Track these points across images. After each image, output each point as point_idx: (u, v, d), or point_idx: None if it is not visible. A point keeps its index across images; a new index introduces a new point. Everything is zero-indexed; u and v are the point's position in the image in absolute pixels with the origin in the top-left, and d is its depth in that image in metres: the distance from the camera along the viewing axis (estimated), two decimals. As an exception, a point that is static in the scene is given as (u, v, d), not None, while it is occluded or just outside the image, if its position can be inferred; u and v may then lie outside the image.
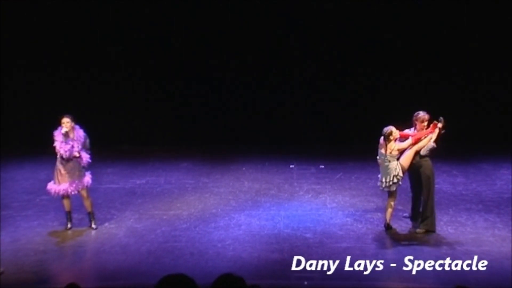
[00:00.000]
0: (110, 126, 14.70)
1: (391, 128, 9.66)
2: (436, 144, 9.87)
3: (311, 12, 14.51)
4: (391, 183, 9.69)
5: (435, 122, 9.83)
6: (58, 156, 9.95)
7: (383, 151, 9.72)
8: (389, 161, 9.66)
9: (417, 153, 9.82)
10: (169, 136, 14.92)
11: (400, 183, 9.77)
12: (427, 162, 9.87)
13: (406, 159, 9.75)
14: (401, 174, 9.69)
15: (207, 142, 14.80)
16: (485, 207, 11.04)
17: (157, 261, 9.15)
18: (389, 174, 9.67)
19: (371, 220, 10.49)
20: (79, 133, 9.99)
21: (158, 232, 10.15)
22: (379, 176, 9.86)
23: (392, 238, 9.87)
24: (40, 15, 14.58)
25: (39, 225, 10.45)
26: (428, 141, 9.82)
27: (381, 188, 9.87)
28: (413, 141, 9.75)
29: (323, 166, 13.16)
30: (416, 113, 9.93)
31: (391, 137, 9.62)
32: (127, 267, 9.03)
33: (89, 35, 14.72)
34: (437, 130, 9.87)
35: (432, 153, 9.90)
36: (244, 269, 8.72)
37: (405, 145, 9.70)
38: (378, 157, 9.84)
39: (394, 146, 9.62)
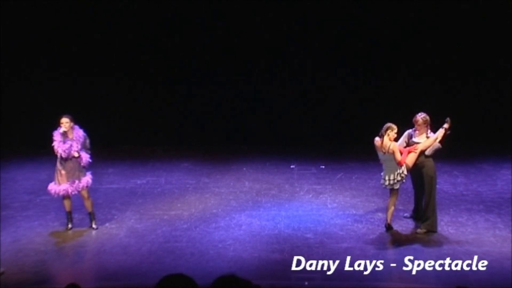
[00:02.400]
0: (111, 126, 14.72)
1: (391, 125, 9.66)
2: (441, 144, 9.89)
3: (311, 13, 14.51)
4: (395, 181, 9.69)
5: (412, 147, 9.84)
6: (58, 157, 9.96)
7: (379, 150, 9.71)
8: (391, 160, 9.65)
9: (422, 152, 9.82)
10: (170, 136, 14.91)
11: (404, 181, 9.77)
12: (430, 162, 9.88)
13: (411, 157, 9.75)
14: (405, 172, 9.69)
15: (207, 142, 14.79)
16: (486, 207, 11.04)
17: (158, 261, 9.16)
18: (393, 172, 9.67)
19: (372, 220, 10.49)
20: (79, 133, 10.00)
21: (159, 232, 10.15)
22: (382, 174, 9.86)
23: (393, 238, 9.87)
24: (39, 15, 14.57)
25: (40, 225, 10.46)
26: (434, 141, 9.82)
27: (384, 186, 9.87)
28: (401, 162, 9.68)
29: (323, 166, 13.16)
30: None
31: (389, 132, 9.59)
32: (128, 267, 9.04)
33: (89, 36, 14.72)
34: (443, 130, 9.88)
35: (437, 153, 9.91)
36: (244, 269, 8.73)
37: (396, 155, 9.64)
38: (379, 158, 9.84)
39: (389, 144, 9.59)
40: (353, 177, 12.57)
